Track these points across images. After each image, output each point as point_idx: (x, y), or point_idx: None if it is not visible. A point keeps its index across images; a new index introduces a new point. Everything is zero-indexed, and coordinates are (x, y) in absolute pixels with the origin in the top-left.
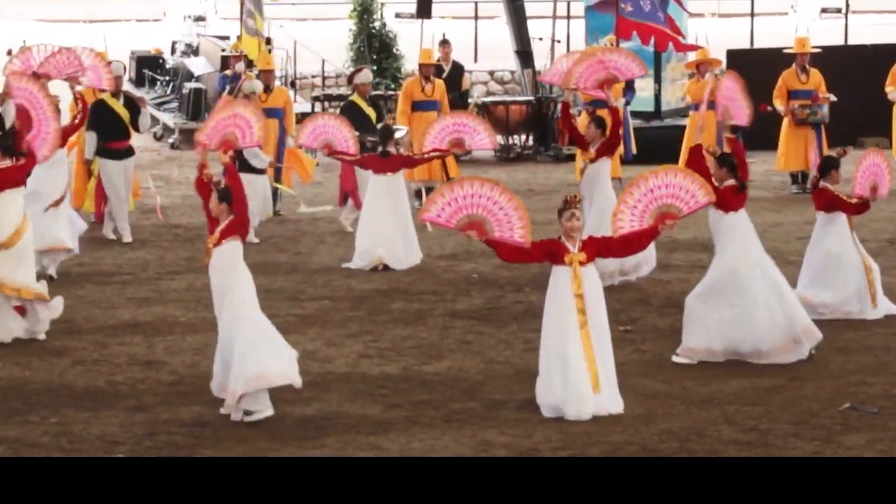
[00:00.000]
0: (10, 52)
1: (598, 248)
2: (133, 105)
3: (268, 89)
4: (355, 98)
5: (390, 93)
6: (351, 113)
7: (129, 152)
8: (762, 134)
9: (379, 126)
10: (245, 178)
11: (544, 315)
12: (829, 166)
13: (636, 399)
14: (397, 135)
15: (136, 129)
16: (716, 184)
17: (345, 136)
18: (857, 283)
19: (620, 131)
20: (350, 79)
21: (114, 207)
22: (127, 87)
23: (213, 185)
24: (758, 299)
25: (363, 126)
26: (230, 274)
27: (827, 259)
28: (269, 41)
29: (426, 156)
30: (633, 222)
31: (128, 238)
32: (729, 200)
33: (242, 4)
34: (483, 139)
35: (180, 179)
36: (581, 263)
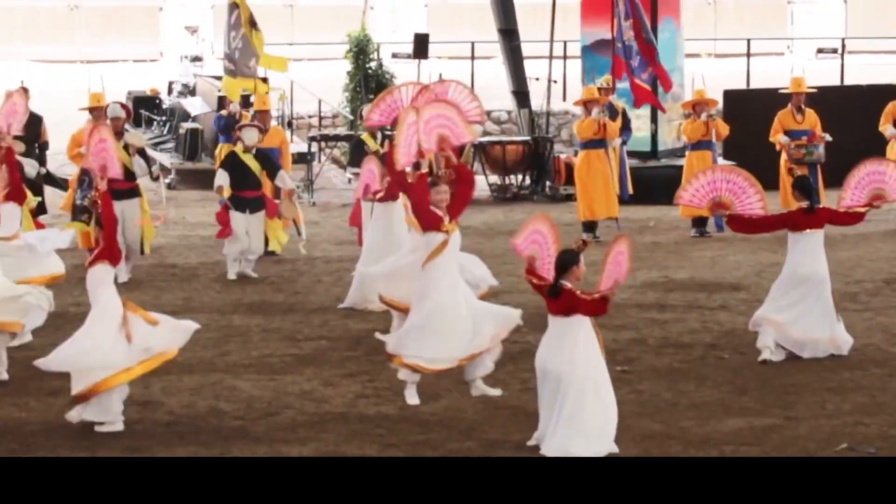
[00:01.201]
0: (8, 95)
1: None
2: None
3: (263, 130)
4: (366, 137)
5: (387, 133)
6: (357, 151)
7: (132, 193)
8: (759, 174)
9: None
10: (239, 215)
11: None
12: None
13: (632, 440)
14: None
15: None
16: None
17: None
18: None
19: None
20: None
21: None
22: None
23: (93, 208)
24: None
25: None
26: (99, 291)
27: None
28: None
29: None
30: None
31: (123, 278)
32: (798, 221)
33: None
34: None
35: (177, 220)
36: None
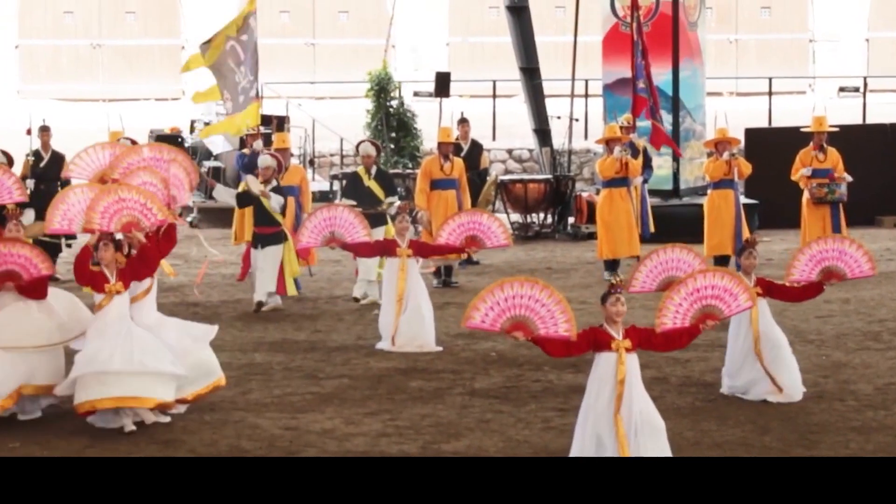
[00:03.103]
0: (29, 132)
1: (640, 338)
2: None
3: (283, 168)
4: (360, 171)
5: (408, 171)
6: (351, 184)
7: None
8: (781, 213)
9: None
10: (260, 252)
11: (585, 397)
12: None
13: None
14: (391, 209)
15: None
16: None
17: (352, 225)
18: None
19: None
20: (356, 147)
21: None
22: None
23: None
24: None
25: (362, 198)
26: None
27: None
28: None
29: (439, 248)
30: (675, 320)
31: None
32: None
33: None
34: (498, 237)
35: (198, 258)
36: (627, 350)
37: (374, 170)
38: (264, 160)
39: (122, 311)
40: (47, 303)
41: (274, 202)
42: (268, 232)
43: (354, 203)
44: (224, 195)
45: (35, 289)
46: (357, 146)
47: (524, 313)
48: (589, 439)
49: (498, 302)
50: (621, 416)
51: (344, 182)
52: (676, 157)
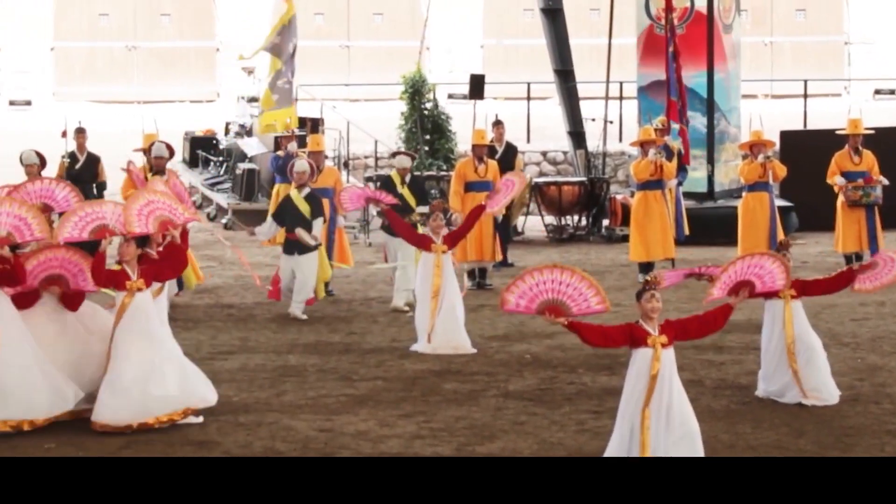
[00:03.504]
0: (64, 134)
1: (676, 330)
2: None
3: (318, 170)
4: (394, 175)
5: (443, 173)
6: (384, 188)
7: None
8: (816, 215)
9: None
10: (293, 259)
11: (623, 393)
12: None
13: None
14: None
15: None
16: None
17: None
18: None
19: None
20: (392, 156)
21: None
22: (180, 168)
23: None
24: None
25: (396, 205)
26: None
27: None
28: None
29: (468, 224)
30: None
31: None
32: None
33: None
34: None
35: (233, 260)
36: (663, 346)
37: (408, 177)
38: (301, 165)
39: (145, 310)
40: (76, 322)
41: (312, 235)
42: (295, 238)
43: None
44: (267, 232)
45: (74, 301)
46: (393, 155)
47: (555, 297)
48: (624, 435)
49: (529, 288)
50: (650, 411)
51: (378, 185)
52: (711, 160)
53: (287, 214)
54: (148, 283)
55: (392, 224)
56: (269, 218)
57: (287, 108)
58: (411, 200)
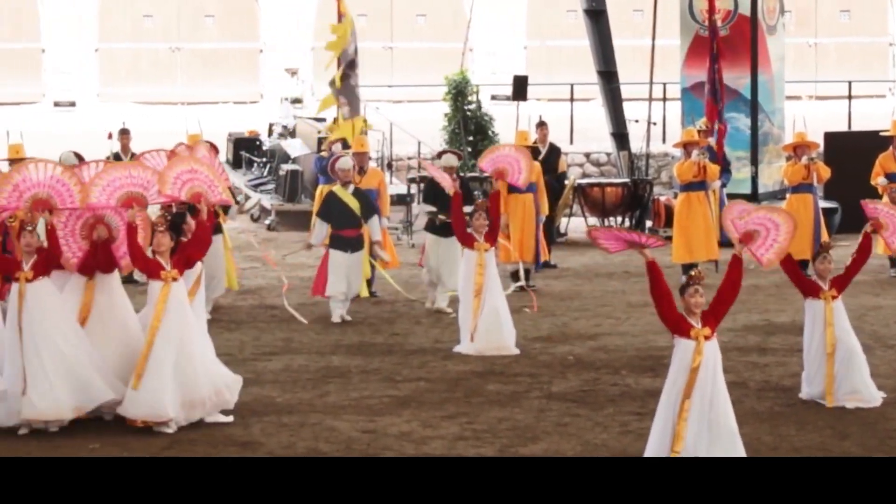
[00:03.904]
0: (110, 136)
1: (712, 312)
2: None
3: (362, 171)
4: None
5: (486, 175)
6: (430, 189)
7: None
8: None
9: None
10: (340, 255)
11: (665, 387)
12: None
13: None
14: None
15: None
16: None
17: None
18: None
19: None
20: (438, 156)
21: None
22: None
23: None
24: None
25: (442, 204)
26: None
27: None
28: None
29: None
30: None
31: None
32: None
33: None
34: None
35: (277, 261)
36: (706, 338)
37: (454, 177)
38: (345, 162)
39: (182, 301)
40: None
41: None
42: (352, 235)
43: (435, 210)
44: (319, 235)
45: (108, 263)
46: (439, 155)
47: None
48: (664, 429)
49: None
50: (690, 403)
51: (422, 186)
52: (755, 161)
53: (334, 211)
54: (181, 271)
55: (454, 212)
56: (316, 220)
57: (357, 116)
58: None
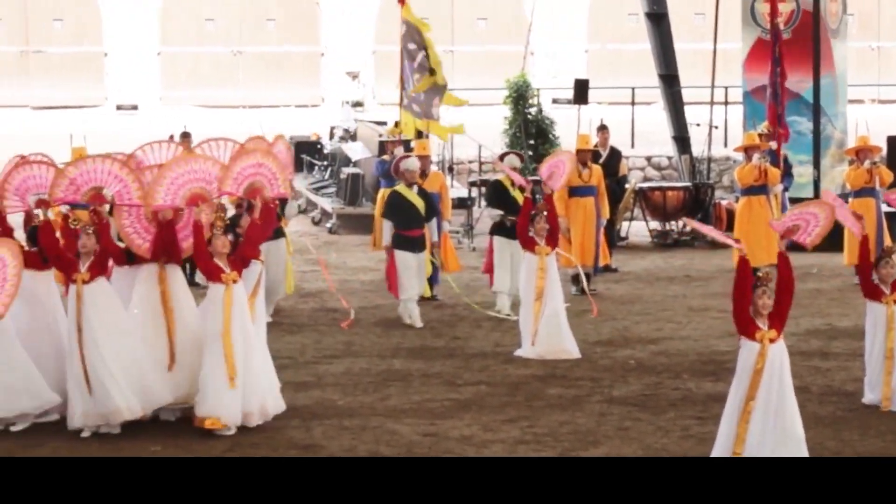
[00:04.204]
0: (171, 139)
1: (776, 312)
2: None
3: (423, 174)
4: (503, 179)
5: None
6: (496, 193)
7: (277, 233)
8: None
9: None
10: (407, 257)
11: (731, 391)
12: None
13: None
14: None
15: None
16: None
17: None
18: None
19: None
20: (500, 160)
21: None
22: None
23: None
24: None
25: (508, 207)
26: None
27: None
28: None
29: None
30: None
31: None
32: None
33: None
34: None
35: (338, 264)
36: (771, 340)
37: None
38: (412, 163)
39: (243, 304)
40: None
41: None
42: (417, 234)
43: (502, 213)
44: (389, 236)
45: (174, 251)
46: (501, 157)
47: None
48: (728, 431)
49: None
50: (754, 405)
51: (483, 189)
52: (817, 165)
53: (401, 211)
54: (239, 272)
55: (522, 215)
56: (385, 222)
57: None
58: (519, 200)
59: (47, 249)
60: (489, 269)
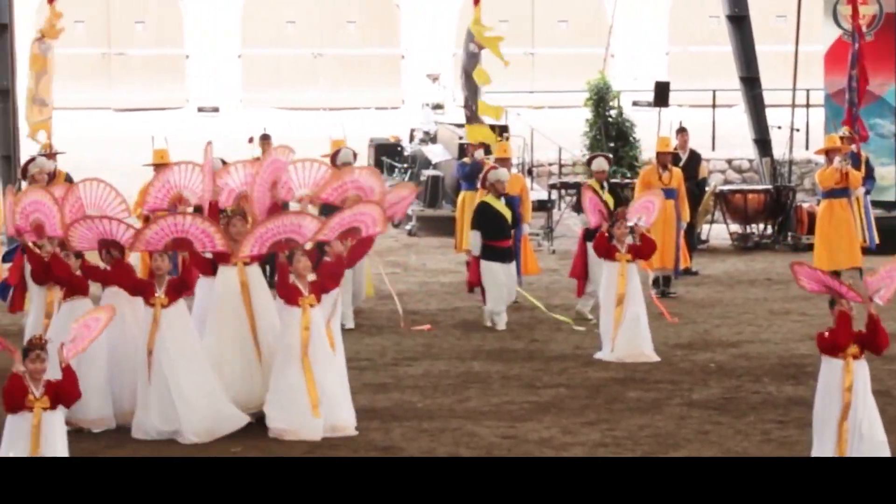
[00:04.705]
0: (251, 140)
1: (864, 340)
2: None
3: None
4: (592, 183)
5: (627, 181)
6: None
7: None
8: None
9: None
10: (496, 268)
11: (815, 408)
12: None
13: None
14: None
15: None
16: None
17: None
18: None
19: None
20: (588, 163)
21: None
22: None
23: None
24: None
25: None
26: None
27: None
28: (505, 129)
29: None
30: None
31: (350, 324)
32: None
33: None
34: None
35: (417, 266)
36: (854, 357)
37: (605, 184)
38: (503, 174)
39: (320, 325)
40: None
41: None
42: (507, 245)
43: None
44: (476, 244)
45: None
46: (589, 161)
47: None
48: (820, 451)
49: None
50: (847, 426)
51: (563, 192)
52: None
53: (491, 223)
54: (318, 297)
55: (598, 243)
56: (473, 231)
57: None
58: (610, 203)
59: (61, 279)
60: (578, 274)
